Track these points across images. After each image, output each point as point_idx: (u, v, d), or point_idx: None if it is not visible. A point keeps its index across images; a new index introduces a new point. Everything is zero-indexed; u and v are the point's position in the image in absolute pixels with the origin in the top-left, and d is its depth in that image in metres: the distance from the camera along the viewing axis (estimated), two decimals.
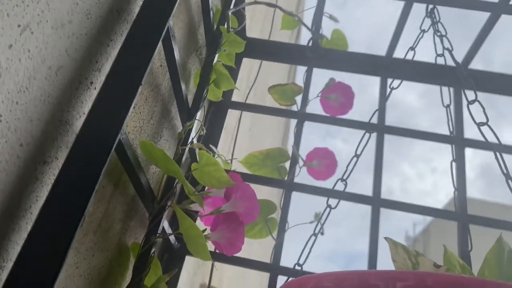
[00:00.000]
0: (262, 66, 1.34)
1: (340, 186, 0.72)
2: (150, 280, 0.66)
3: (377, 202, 0.91)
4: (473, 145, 0.97)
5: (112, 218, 0.63)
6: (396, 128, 0.99)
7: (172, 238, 0.82)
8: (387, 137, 1.00)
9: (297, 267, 0.59)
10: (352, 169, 0.73)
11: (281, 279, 0.86)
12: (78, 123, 0.51)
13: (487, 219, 0.91)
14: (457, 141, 0.98)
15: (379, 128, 0.99)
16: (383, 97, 1.01)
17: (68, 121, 0.49)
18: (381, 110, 0.98)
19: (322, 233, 0.95)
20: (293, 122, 1.10)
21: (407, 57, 0.77)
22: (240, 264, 0.87)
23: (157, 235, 0.66)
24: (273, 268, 0.85)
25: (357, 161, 0.75)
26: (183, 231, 0.64)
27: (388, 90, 0.74)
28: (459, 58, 1.02)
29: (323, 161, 1.01)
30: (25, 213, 0.43)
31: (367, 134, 0.80)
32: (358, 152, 0.75)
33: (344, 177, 0.70)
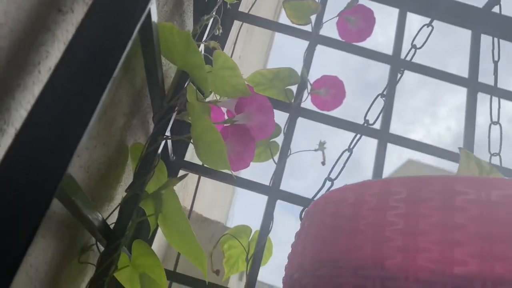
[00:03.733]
0: None
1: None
2: (151, 187, 0.59)
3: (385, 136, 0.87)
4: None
5: (117, 110, 0.54)
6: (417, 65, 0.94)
7: (169, 148, 0.75)
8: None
9: (327, 182, 0.54)
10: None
11: (279, 204, 0.82)
12: None
13: None
14: (471, 84, 0.94)
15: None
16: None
17: None
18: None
19: (323, 163, 0.91)
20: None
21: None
22: (240, 185, 0.81)
23: (165, 136, 0.59)
24: (273, 192, 0.80)
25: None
26: (197, 135, 0.57)
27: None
28: None
29: (331, 90, 0.95)
30: (33, 69, 0.34)
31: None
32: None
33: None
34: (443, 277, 0.29)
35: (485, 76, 0.97)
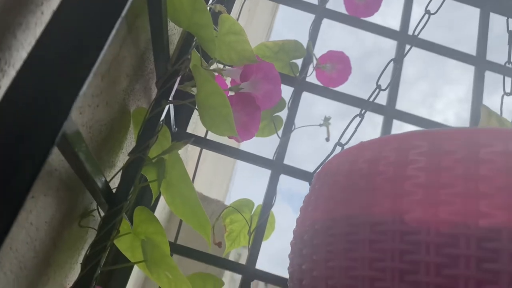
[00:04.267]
0: None
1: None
2: (153, 154, 0.58)
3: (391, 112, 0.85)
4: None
5: (120, 69, 0.52)
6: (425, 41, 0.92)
7: (172, 119, 0.73)
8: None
9: (338, 147, 0.52)
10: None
11: (283, 178, 0.80)
12: None
13: None
14: (478, 62, 0.92)
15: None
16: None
17: None
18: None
19: (327, 140, 0.90)
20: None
21: None
22: (243, 158, 0.80)
23: (169, 100, 0.57)
24: (276, 166, 0.79)
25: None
26: (202, 99, 0.55)
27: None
28: None
29: (337, 65, 0.93)
30: (36, 9, 0.32)
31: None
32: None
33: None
34: (466, 229, 0.28)
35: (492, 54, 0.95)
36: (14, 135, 0.27)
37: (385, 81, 0.80)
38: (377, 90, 0.58)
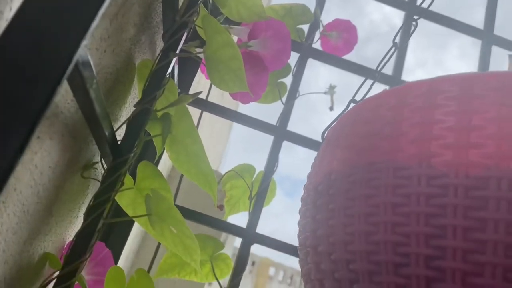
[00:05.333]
0: None
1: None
2: (159, 108, 0.56)
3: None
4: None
5: (128, 16, 0.50)
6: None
7: (175, 81, 0.71)
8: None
9: (351, 104, 0.51)
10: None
11: (286, 145, 0.79)
12: None
13: None
14: (485, 35, 0.91)
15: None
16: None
17: None
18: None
19: (331, 109, 0.89)
20: None
21: None
22: (245, 123, 0.78)
23: (177, 53, 0.55)
24: (279, 131, 0.78)
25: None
26: (211, 52, 0.53)
27: None
28: None
29: (343, 34, 0.91)
30: None
31: None
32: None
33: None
34: (498, 171, 0.27)
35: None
36: (24, 62, 0.26)
37: (388, 68, 0.78)
38: (393, 48, 0.56)
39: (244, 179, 0.79)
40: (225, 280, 0.71)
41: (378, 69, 0.68)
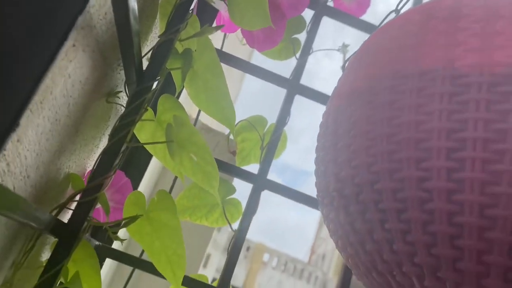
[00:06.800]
0: None
1: None
2: (180, 47, 0.57)
3: None
4: None
5: None
6: None
7: None
8: None
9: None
10: None
11: (297, 99, 0.81)
12: None
13: None
14: None
15: None
16: None
17: None
18: None
19: (343, 68, 0.90)
20: None
21: None
22: (258, 75, 0.79)
23: None
24: (292, 85, 0.79)
25: None
26: None
27: None
28: None
29: None
30: None
31: None
32: None
33: None
34: None
35: None
36: None
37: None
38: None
39: (254, 132, 0.81)
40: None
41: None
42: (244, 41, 0.80)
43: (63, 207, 0.46)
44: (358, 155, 0.36)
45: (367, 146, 0.35)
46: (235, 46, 1.29)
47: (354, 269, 0.40)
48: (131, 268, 0.82)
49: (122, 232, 0.69)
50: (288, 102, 0.79)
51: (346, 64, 0.45)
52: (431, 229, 0.31)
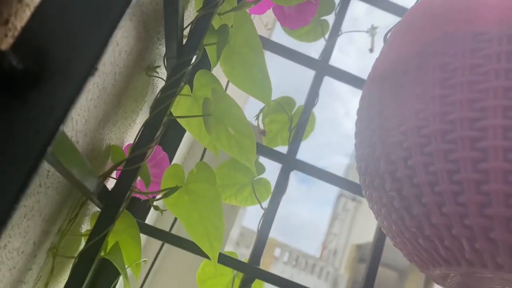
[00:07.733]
0: None
1: None
2: (217, 24, 0.58)
3: None
4: None
5: None
6: None
7: None
8: None
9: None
10: None
11: (327, 80, 0.81)
12: None
13: None
14: None
15: None
16: None
17: None
18: None
19: (371, 51, 0.90)
20: None
21: None
22: (287, 56, 0.80)
23: None
24: (321, 66, 0.79)
25: None
26: None
27: None
28: None
29: None
30: None
31: None
32: None
33: None
34: None
35: None
36: None
37: None
38: None
39: (283, 113, 0.81)
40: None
41: None
42: (269, 25, 0.80)
43: (107, 175, 0.47)
44: (407, 120, 0.36)
45: (417, 110, 0.35)
46: (258, 31, 1.29)
47: (398, 237, 0.41)
48: (156, 248, 0.83)
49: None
50: (316, 84, 0.79)
51: (387, 36, 0.45)
52: (484, 188, 0.31)
